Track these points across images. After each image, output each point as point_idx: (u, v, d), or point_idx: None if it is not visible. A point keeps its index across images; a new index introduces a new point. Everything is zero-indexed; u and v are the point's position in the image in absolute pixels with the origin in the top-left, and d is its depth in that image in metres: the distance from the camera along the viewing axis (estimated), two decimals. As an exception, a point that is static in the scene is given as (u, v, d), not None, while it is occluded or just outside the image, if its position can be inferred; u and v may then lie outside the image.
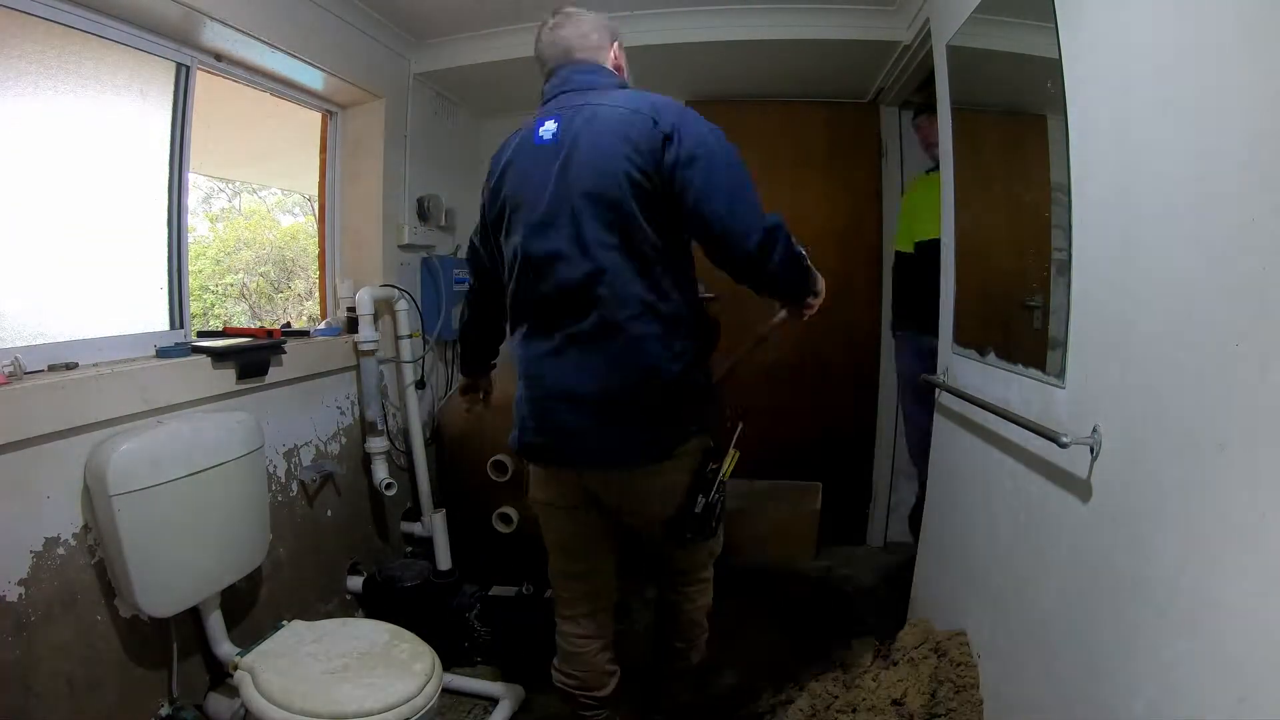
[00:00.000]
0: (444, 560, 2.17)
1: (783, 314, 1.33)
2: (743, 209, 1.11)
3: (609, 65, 1.29)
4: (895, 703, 1.39)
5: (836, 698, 1.52)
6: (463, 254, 2.68)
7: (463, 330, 1.55)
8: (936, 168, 1.86)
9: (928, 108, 2.11)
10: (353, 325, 2.10)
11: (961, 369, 1.62)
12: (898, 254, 2.42)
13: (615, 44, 1.31)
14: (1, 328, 1.31)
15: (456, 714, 1.76)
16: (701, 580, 1.48)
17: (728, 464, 1.31)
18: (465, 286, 2.60)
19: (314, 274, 2.57)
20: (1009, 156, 1.56)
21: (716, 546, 1.47)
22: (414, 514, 2.33)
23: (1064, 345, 1.11)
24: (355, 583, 2.08)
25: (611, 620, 1.43)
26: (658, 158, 1.11)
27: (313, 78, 1.97)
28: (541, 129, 1.19)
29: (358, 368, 2.12)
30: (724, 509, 1.35)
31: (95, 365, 1.40)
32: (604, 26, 1.30)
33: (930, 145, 2.21)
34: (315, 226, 2.38)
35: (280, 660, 1.34)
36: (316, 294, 2.39)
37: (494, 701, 1.77)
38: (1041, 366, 1.22)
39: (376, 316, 2.10)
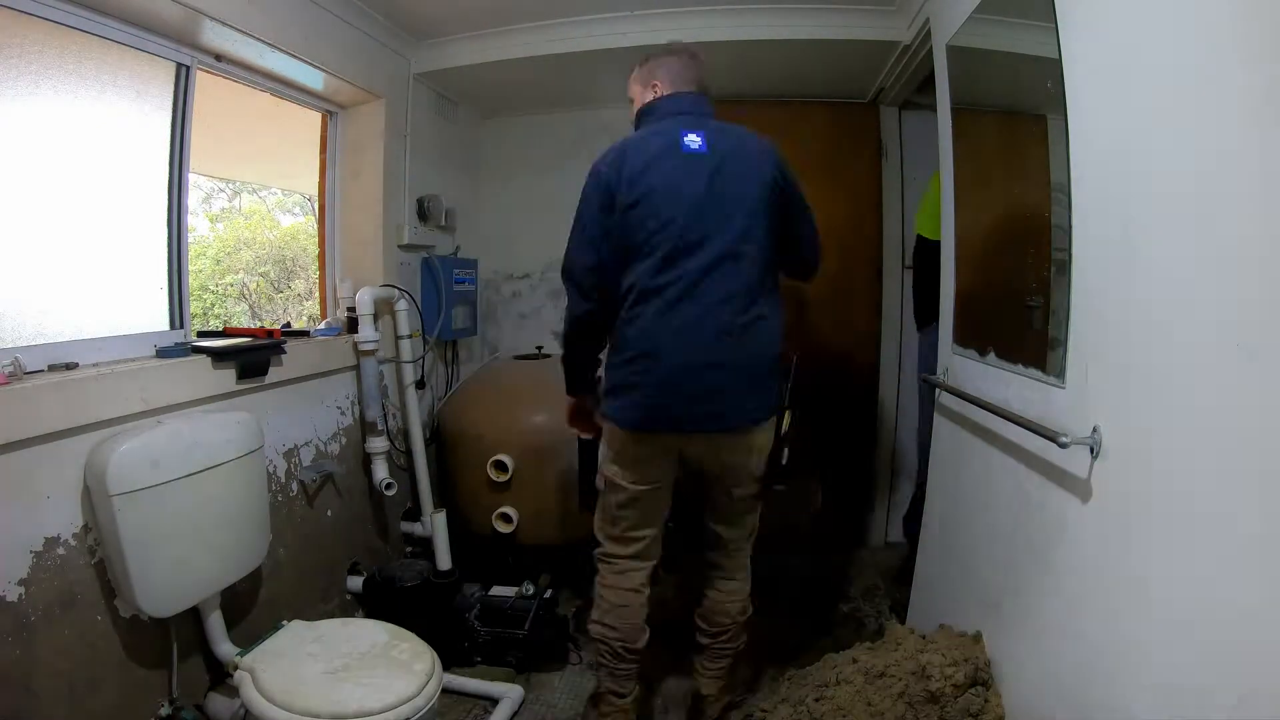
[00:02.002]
0: (444, 560, 2.16)
1: None
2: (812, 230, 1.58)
3: None
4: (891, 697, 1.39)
5: (832, 699, 1.52)
6: (463, 254, 2.68)
7: (575, 354, 1.55)
8: None
9: None
10: (353, 325, 2.10)
11: (961, 369, 1.62)
12: (921, 240, 2.16)
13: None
14: (1, 328, 1.31)
15: (456, 714, 1.76)
16: (745, 551, 1.63)
17: (787, 421, 1.53)
18: (466, 286, 2.62)
19: (314, 274, 2.57)
20: (1009, 156, 1.56)
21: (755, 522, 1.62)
22: (414, 514, 2.33)
23: (1064, 345, 1.11)
24: (355, 583, 2.08)
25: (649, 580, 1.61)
26: (780, 184, 1.45)
27: (313, 78, 1.97)
28: (686, 138, 1.40)
29: (358, 368, 2.11)
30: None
31: (95, 365, 1.40)
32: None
33: None
34: (315, 226, 2.38)
35: (280, 660, 1.34)
36: (316, 294, 2.39)
37: (494, 701, 1.77)
38: (1041, 366, 1.22)
39: (376, 316, 2.10)
